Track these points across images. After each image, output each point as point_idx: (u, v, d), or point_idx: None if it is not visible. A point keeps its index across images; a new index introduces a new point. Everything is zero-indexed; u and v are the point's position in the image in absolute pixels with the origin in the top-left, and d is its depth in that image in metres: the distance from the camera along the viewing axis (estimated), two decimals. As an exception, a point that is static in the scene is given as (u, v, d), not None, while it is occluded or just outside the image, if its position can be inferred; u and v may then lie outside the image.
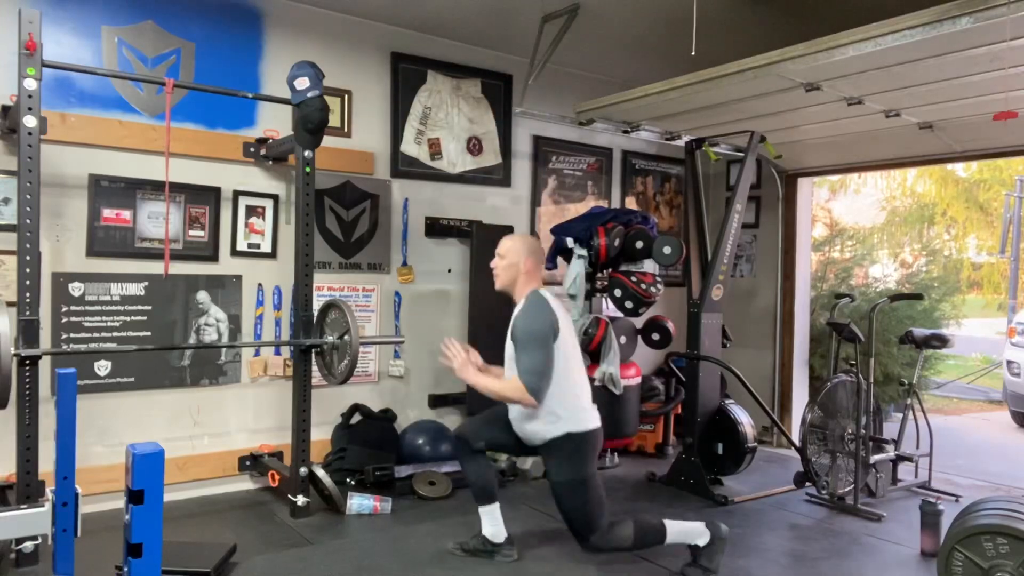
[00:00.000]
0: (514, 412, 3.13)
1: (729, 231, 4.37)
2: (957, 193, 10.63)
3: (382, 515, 3.72)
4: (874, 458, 4.12)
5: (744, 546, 3.45)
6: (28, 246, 2.94)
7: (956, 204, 10.58)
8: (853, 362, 4.15)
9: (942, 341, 4.57)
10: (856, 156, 5.12)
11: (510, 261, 3.15)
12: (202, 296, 3.95)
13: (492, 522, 3.22)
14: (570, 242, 4.50)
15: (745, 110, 4.00)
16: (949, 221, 10.76)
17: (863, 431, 4.04)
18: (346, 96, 4.39)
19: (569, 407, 3.01)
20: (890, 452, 4.29)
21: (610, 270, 4.57)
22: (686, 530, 3.08)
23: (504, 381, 3.07)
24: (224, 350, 4.02)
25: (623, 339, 4.58)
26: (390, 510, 3.75)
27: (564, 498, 3.01)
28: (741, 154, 4.59)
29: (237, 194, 4.04)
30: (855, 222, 9.83)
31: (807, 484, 4.16)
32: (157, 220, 3.79)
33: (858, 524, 3.81)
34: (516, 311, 3.13)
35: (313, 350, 3.72)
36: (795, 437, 4.31)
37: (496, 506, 3.22)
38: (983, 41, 2.83)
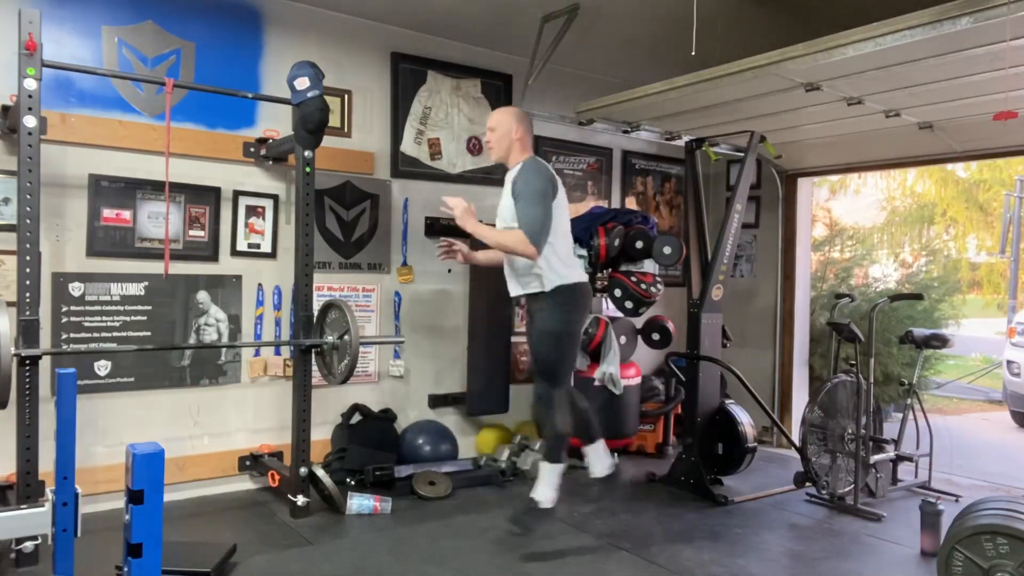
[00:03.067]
0: (515, 265, 3.30)
1: (729, 231, 4.37)
2: (957, 193, 10.63)
3: (382, 515, 3.72)
4: (874, 458, 4.12)
5: (744, 546, 3.45)
6: (28, 246, 2.94)
7: (956, 204, 10.58)
8: (853, 362, 4.16)
9: (942, 341, 4.57)
10: (856, 156, 5.13)
11: (502, 132, 3.34)
12: (202, 296, 3.95)
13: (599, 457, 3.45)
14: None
15: (745, 110, 4.01)
16: (949, 221, 10.76)
17: (863, 431, 4.04)
18: (346, 96, 4.39)
19: (564, 261, 3.28)
20: (890, 452, 4.29)
21: (610, 270, 4.57)
22: (554, 477, 3.33)
23: (506, 231, 3.22)
24: (224, 350, 4.02)
25: (623, 339, 4.59)
26: (390, 510, 3.75)
27: (542, 344, 3.30)
28: (741, 154, 4.60)
29: (237, 194, 4.04)
30: (855, 222, 9.83)
31: (807, 484, 4.16)
32: (157, 220, 3.79)
33: (858, 524, 3.82)
34: (513, 174, 3.31)
35: (313, 350, 3.72)
36: (795, 437, 4.32)
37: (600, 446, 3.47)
38: (983, 41, 2.83)
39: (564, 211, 3.33)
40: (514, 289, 3.42)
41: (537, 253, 3.10)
